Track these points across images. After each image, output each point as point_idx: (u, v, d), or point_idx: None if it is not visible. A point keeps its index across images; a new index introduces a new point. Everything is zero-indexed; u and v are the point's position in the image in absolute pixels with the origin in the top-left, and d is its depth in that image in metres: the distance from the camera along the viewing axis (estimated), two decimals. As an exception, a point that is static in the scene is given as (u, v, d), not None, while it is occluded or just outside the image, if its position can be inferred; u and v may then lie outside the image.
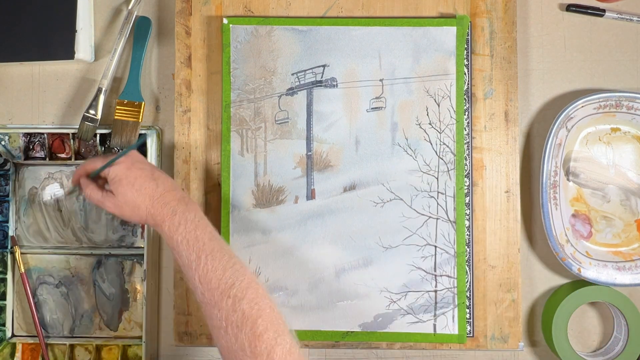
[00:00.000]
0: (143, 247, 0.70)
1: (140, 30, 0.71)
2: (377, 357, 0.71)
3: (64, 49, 0.69)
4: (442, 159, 0.69)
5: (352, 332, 0.68)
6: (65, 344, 0.71)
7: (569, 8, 0.72)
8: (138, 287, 0.72)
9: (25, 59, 0.71)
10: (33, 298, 0.71)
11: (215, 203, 0.70)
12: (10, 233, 0.72)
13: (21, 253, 0.71)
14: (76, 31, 0.69)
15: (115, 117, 0.70)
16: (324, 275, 0.68)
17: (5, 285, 0.72)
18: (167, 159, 0.72)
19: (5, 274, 0.72)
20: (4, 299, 0.72)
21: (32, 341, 0.72)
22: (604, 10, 0.71)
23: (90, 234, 0.72)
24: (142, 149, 0.71)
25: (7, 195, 0.72)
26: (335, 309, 0.68)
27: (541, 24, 0.72)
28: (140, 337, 0.70)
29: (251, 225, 0.69)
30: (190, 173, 0.70)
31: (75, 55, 0.69)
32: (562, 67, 0.72)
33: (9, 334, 0.72)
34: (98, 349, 0.71)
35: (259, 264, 0.68)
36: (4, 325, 0.72)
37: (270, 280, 0.68)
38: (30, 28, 0.70)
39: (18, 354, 0.72)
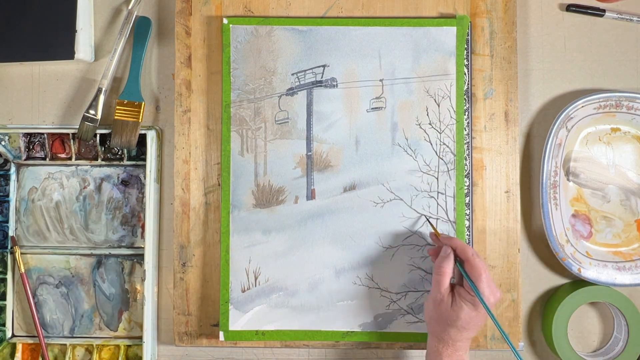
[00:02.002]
0: (143, 247, 0.70)
1: (140, 30, 0.71)
2: (377, 357, 0.71)
3: (64, 49, 0.69)
4: (442, 159, 0.69)
5: (352, 332, 0.68)
6: (65, 344, 0.71)
7: (569, 8, 0.72)
8: (138, 287, 0.72)
9: (25, 59, 0.71)
10: (33, 298, 0.71)
11: (215, 203, 0.70)
12: (10, 233, 0.72)
13: (21, 253, 0.71)
14: (76, 31, 0.69)
15: (115, 117, 0.70)
16: (324, 275, 0.68)
17: (5, 285, 0.72)
18: (167, 159, 0.72)
19: (5, 274, 0.72)
20: (4, 299, 0.72)
21: (32, 341, 0.72)
22: (604, 10, 0.71)
23: (90, 234, 0.72)
24: (142, 149, 0.71)
25: (7, 195, 0.72)
26: (335, 309, 0.68)
27: (541, 24, 0.72)
28: (140, 337, 0.70)
29: (251, 225, 0.69)
30: (190, 173, 0.70)
31: (75, 55, 0.69)
32: (562, 67, 0.72)
33: (9, 334, 0.72)
34: (98, 349, 0.71)
35: (259, 264, 0.68)
36: (4, 325, 0.72)
37: (270, 280, 0.68)
38: (30, 28, 0.70)
39: (18, 354, 0.72)
